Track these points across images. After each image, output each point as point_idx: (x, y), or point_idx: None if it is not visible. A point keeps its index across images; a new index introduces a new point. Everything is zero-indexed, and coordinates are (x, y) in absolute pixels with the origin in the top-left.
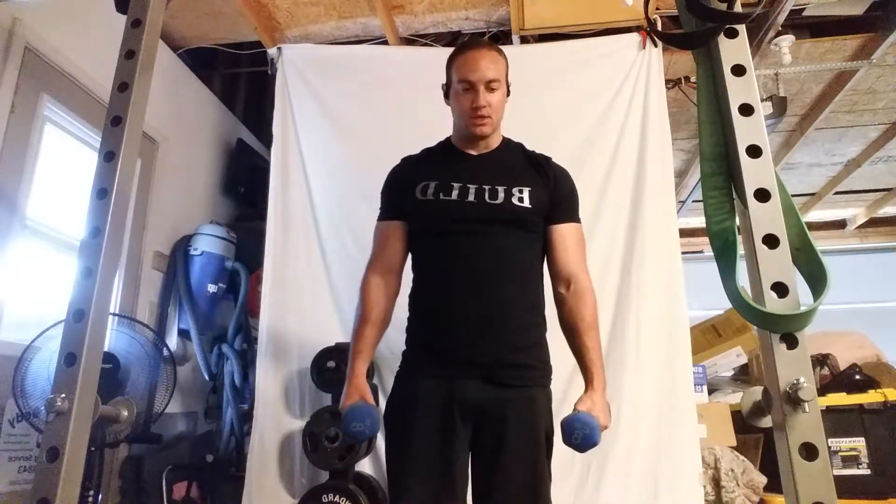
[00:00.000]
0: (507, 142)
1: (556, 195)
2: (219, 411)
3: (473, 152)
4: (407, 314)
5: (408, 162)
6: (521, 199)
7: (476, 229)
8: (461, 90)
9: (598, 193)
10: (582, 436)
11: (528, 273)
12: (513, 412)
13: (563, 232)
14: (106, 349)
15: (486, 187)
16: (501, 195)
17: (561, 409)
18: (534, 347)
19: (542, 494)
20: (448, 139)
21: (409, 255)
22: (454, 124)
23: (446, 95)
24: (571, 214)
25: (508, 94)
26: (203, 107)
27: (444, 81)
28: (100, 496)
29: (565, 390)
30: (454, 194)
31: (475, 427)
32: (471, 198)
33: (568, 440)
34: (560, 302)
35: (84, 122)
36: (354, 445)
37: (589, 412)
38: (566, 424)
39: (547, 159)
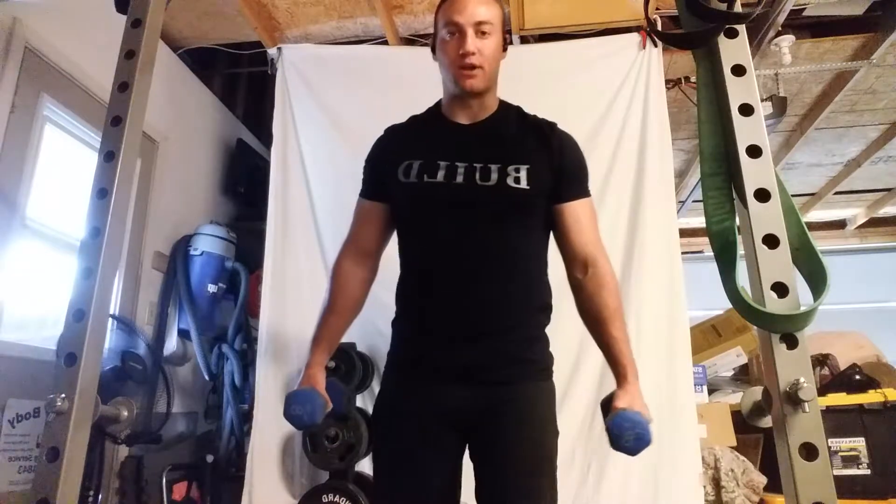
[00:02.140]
0: (504, 106)
1: (563, 168)
2: (219, 411)
3: (465, 121)
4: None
5: (392, 132)
6: (517, 180)
7: (465, 215)
8: (447, 35)
9: (598, 193)
10: (634, 436)
11: (525, 263)
12: (506, 410)
13: (575, 211)
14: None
15: (478, 166)
16: (495, 175)
17: (562, 406)
18: (528, 342)
19: (545, 472)
20: (438, 104)
21: (395, 239)
22: (443, 84)
23: (433, 50)
24: (581, 189)
25: (505, 50)
26: (203, 107)
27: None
28: (100, 496)
29: (565, 389)
30: (440, 175)
31: (467, 434)
32: (459, 179)
33: (617, 444)
34: (578, 288)
35: (84, 122)
36: (354, 445)
37: (631, 408)
38: (613, 427)
39: (551, 126)
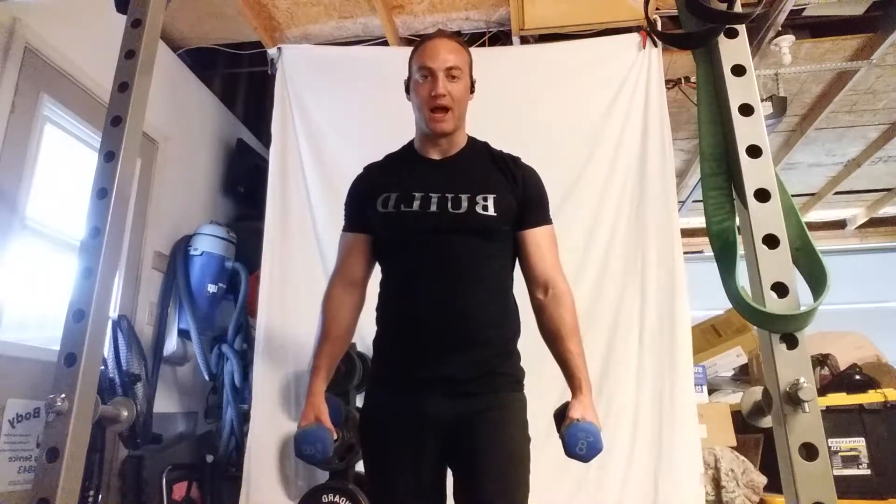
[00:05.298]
0: (472, 142)
1: (526, 199)
2: (219, 411)
3: (436, 157)
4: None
5: (370, 170)
6: (485, 208)
7: (439, 241)
8: (420, 78)
9: (599, 194)
10: (587, 444)
11: (495, 282)
12: (481, 418)
13: (536, 237)
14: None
15: (449, 196)
16: (465, 204)
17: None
18: (502, 356)
19: (519, 476)
20: (411, 143)
21: (378, 267)
22: (415, 123)
23: (407, 91)
24: (543, 217)
25: (472, 93)
26: (203, 107)
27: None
28: (100, 496)
29: (564, 388)
30: (415, 205)
31: (446, 441)
32: (433, 208)
33: (572, 451)
34: (539, 308)
35: (84, 122)
36: (354, 445)
37: (584, 419)
38: (567, 436)
39: (515, 160)
